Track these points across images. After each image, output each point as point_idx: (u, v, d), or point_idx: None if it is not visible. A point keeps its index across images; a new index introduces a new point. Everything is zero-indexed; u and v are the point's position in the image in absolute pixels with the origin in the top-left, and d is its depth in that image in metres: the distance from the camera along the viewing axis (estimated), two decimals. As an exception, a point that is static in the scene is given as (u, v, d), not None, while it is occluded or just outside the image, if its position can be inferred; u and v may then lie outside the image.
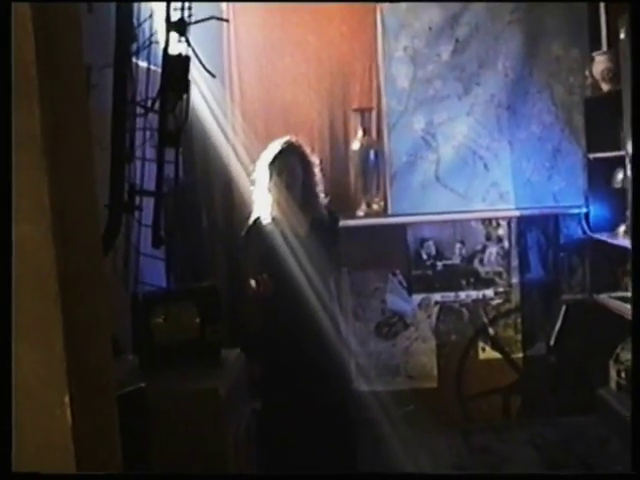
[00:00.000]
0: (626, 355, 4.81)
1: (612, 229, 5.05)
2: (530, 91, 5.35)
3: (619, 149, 4.75)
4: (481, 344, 5.47)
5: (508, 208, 5.39)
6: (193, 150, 4.92)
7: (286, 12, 5.28)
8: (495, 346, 5.46)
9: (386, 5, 5.32)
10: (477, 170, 5.37)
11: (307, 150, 4.18)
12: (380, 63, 5.34)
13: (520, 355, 5.46)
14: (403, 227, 5.41)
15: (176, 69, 3.22)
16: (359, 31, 5.36)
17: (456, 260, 5.46)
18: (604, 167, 5.09)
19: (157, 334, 3.12)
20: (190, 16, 3.29)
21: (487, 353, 5.47)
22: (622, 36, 4.41)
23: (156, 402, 2.52)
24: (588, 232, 5.29)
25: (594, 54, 5.08)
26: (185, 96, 3.27)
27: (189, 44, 3.29)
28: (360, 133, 5.32)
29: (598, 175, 5.17)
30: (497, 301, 5.46)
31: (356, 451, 4.21)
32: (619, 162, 4.77)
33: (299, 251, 4.01)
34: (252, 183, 4.18)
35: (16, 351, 1.32)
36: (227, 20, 4.98)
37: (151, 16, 3.51)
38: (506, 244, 5.43)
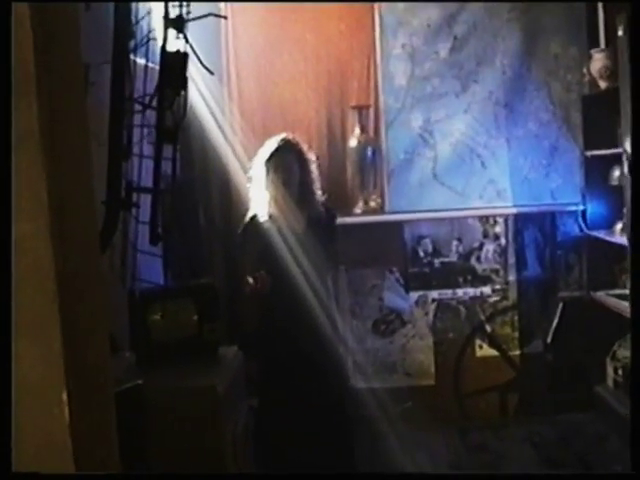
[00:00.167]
0: (623, 352, 4.82)
1: (609, 226, 5.06)
2: (528, 89, 5.35)
3: (616, 147, 4.75)
4: (478, 341, 5.48)
5: (505, 205, 5.39)
6: (191, 147, 4.91)
7: (285, 10, 5.27)
8: (492, 343, 5.46)
9: (384, 3, 5.32)
10: (474, 167, 5.38)
11: (304, 147, 4.18)
12: (378, 61, 5.34)
13: (517, 352, 5.47)
14: (400, 224, 5.41)
15: (174, 66, 3.21)
16: (357, 29, 5.36)
17: (453, 257, 5.46)
18: (601, 164, 5.09)
19: (154, 331, 3.11)
20: (188, 13, 3.28)
21: (484, 350, 5.47)
22: (620, 34, 4.42)
23: (153, 399, 2.53)
24: (585, 229, 5.30)
25: (592, 52, 5.08)
26: (183, 93, 3.26)
27: (187, 41, 3.28)
28: (357, 130, 5.32)
29: (595, 172, 5.18)
30: (494, 298, 5.47)
31: (353, 448, 4.21)
32: (616, 159, 4.77)
33: (296, 248, 4.01)
34: (249, 180, 4.18)
35: (15, 349, 1.32)
36: (225, 17, 4.97)
37: (149, 13, 3.50)
38: (503, 241, 5.44)
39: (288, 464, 3.91)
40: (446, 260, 5.45)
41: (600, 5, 5.21)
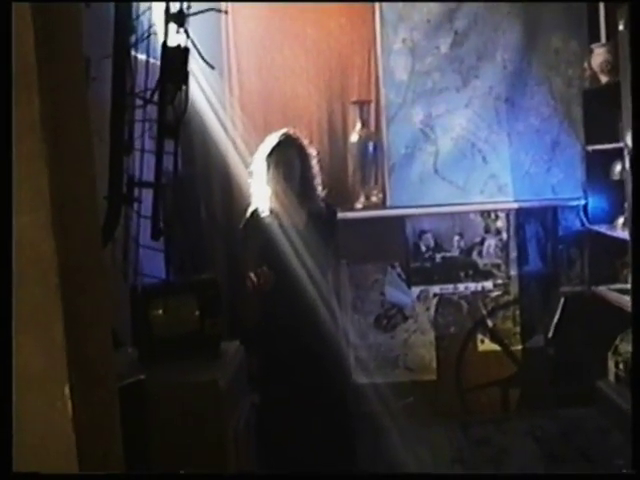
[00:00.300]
0: (625, 347, 4.81)
1: (610, 221, 5.06)
2: (529, 83, 5.35)
3: (617, 141, 4.75)
4: (480, 336, 5.48)
5: (507, 200, 5.39)
6: (192, 142, 4.91)
7: (285, 5, 5.26)
8: (494, 338, 5.47)
9: (385, -3, 5.31)
10: (475, 162, 5.38)
11: (305, 142, 4.18)
12: (379, 55, 5.34)
13: (519, 347, 5.47)
14: (402, 219, 5.41)
15: (175, 61, 3.21)
16: (358, 24, 5.35)
17: (455, 252, 5.46)
18: (602, 159, 5.09)
19: (156, 326, 3.11)
20: (189, 8, 3.28)
21: (486, 345, 5.47)
22: (621, 28, 4.40)
23: (155, 394, 2.52)
24: (586, 224, 5.30)
25: (593, 46, 5.07)
26: (184, 88, 3.26)
27: (188, 36, 3.28)
28: (358, 125, 5.31)
29: (596, 167, 5.17)
30: (496, 293, 5.47)
31: (355, 444, 4.21)
32: (617, 154, 4.77)
33: (297, 243, 4.01)
34: (250, 175, 4.18)
35: (17, 342, 1.32)
36: (226, 12, 4.96)
37: (150, 8, 3.49)
38: (505, 236, 5.44)
39: (290, 460, 3.91)
40: (448, 255, 5.45)
41: (601, 0, 5.21)
